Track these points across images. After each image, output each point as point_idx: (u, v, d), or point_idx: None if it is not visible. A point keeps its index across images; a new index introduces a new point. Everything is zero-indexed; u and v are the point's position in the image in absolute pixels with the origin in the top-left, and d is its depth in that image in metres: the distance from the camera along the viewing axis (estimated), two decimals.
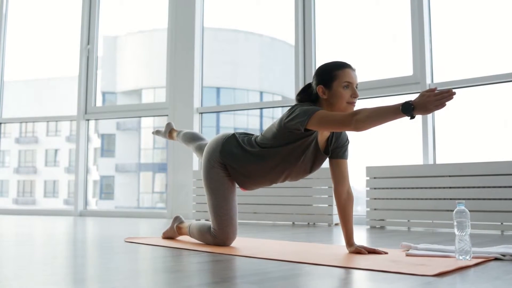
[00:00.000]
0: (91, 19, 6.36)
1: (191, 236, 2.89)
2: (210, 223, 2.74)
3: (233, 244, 2.71)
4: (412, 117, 2.04)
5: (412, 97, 4.51)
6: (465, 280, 1.75)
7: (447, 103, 2.00)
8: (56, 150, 20.57)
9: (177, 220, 3.06)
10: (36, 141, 20.85)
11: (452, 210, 3.87)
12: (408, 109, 2.02)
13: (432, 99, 1.99)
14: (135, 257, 2.43)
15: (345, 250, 2.47)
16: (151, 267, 2.11)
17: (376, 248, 2.41)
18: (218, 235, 2.65)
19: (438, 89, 2.03)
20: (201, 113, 5.75)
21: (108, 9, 6.53)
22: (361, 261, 2.13)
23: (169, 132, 3.36)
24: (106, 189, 19.16)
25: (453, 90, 2.00)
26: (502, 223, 3.75)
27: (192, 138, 3.13)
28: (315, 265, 2.03)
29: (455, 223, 2.10)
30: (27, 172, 20.71)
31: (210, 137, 2.99)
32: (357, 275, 1.87)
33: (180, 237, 3.10)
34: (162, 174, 18.69)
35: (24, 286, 1.61)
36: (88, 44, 6.33)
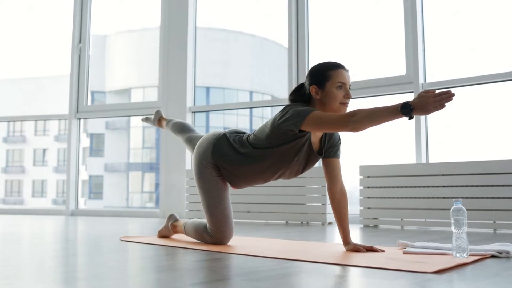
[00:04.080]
0: (83, 17, 6.33)
1: (186, 235, 2.88)
2: (205, 221, 2.73)
3: (229, 242, 2.70)
4: (411, 118, 2.05)
5: (405, 96, 4.56)
6: (464, 277, 1.76)
7: (446, 104, 2.01)
8: (44, 150, 20.46)
9: (172, 218, 3.05)
10: (24, 141, 20.72)
11: (445, 209, 3.91)
12: (407, 110, 2.03)
13: (432, 100, 2.00)
14: (130, 256, 2.42)
15: (342, 248, 2.48)
16: (146, 266, 2.10)
17: (373, 246, 2.41)
18: (215, 234, 2.65)
19: (436, 90, 2.04)
20: (194, 112, 5.74)
21: (97, 7, 6.49)
22: (360, 258, 2.13)
23: (158, 120, 3.34)
24: (95, 188, 19.08)
25: (452, 91, 2.00)
26: (494, 222, 3.77)
27: (182, 129, 3.11)
28: (314, 263, 2.03)
29: (452, 221, 2.11)
30: (15, 171, 20.57)
31: None
32: (356, 272, 1.87)
33: (176, 236, 3.09)
34: (151, 173, 18.64)
35: (17, 286, 1.60)
36: (80, 42, 6.29)
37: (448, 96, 1.99)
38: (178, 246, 2.64)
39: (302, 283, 1.70)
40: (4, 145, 20.78)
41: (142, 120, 3.52)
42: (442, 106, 2.00)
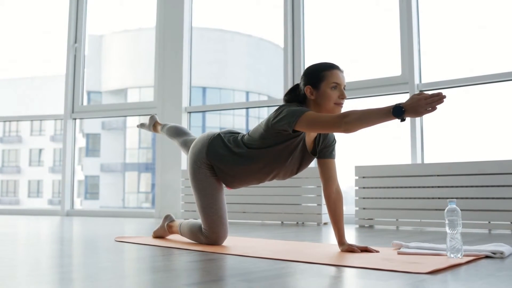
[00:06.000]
0: (79, 17, 6.32)
1: (182, 235, 2.88)
2: (200, 222, 2.73)
3: (224, 243, 2.71)
4: (403, 120, 2.05)
5: (401, 97, 4.56)
6: (458, 277, 1.77)
7: (437, 106, 2.02)
8: (40, 150, 20.42)
9: (168, 218, 3.05)
10: (20, 141, 20.67)
11: (440, 209, 3.91)
12: (399, 112, 2.03)
13: (423, 103, 2.01)
14: (125, 257, 2.42)
15: (337, 248, 2.48)
16: (141, 267, 2.10)
17: (367, 246, 2.42)
18: (210, 235, 2.65)
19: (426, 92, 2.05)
20: (190, 112, 5.73)
21: (93, 7, 6.48)
22: (354, 259, 2.14)
23: (153, 125, 3.36)
24: (91, 189, 19.06)
25: (443, 94, 2.01)
26: (489, 222, 3.78)
27: (177, 133, 3.12)
28: (308, 264, 2.04)
29: (446, 222, 2.12)
30: (10, 171, 20.53)
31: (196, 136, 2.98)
32: (350, 273, 1.87)
33: (171, 236, 3.09)
34: (147, 174, 18.63)
35: (12, 286, 1.60)
36: (76, 42, 6.28)
37: (439, 99, 2.00)
38: (173, 247, 2.64)
39: (297, 284, 1.70)
40: (0, 145, 20.74)
41: (138, 126, 3.54)
42: (434, 108, 2.01)
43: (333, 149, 2.54)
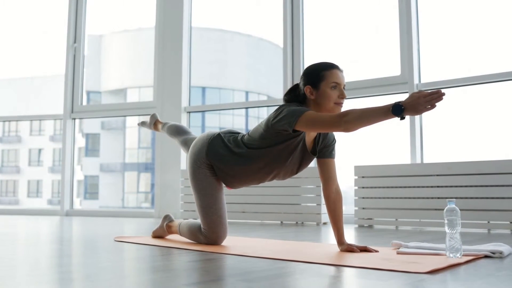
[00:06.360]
0: (78, 17, 6.31)
1: (181, 235, 2.88)
2: (199, 221, 2.73)
3: (223, 243, 2.71)
4: (402, 118, 2.05)
5: (400, 97, 4.57)
6: (457, 277, 1.77)
7: (437, 104, 2.02)
8: (39, 150, 20.40)
9: (167, 218, 3.05)
10: (19, 141, 20.66)
11: (440, 209, 3.91)
12: (398, 111, 2.03)
13: (422, 101, 2.01)
14: (125, 256, 2.42)
15: (336, 248, 2.48)
16: (141, 267, 2.10)
17: (367, 246, 2.42)
18: (209, 234, 2.65)
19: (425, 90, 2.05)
20: (189, 112, 5.73)
21: (93, 7, 6.48)
22: (353, 259, 2.14)
23: (154, 123, 3.36)
24: (90, 189, 19.05)
25: (442, 91, 2.01)
26: (489, 222, 3.78)
27: (177, 132, 3.12)
28: (308, 263, 2.04)
29: (445, 221, 2.12)
30: (10, 171, 20.51)
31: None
32: (350, 273, 1.88)
33: (170, 236, 3.09)
34: (147, 174, 18.63)
35: (11, 286, 1.60)
36: (75, 42, 6.28)
37: (438, 96, 2.00)
38: (172, 247, 2.64)
39: (296, 284, 1.70)
40: None
41: (138, 124, 3.53)
42: (433, 106, 2.01)
43: (332, 149, 2.54)
